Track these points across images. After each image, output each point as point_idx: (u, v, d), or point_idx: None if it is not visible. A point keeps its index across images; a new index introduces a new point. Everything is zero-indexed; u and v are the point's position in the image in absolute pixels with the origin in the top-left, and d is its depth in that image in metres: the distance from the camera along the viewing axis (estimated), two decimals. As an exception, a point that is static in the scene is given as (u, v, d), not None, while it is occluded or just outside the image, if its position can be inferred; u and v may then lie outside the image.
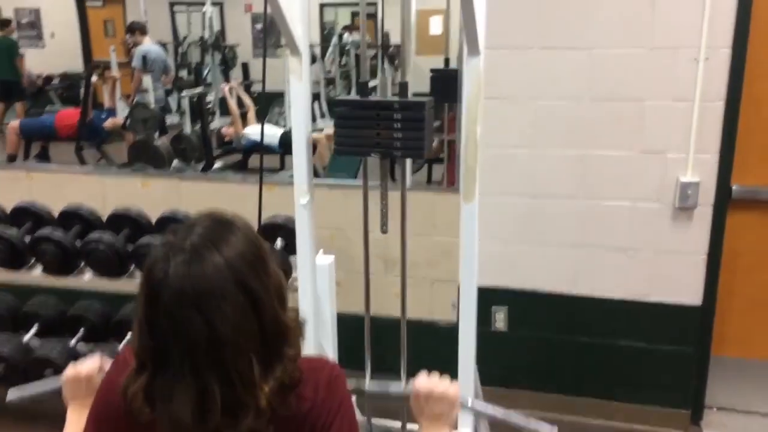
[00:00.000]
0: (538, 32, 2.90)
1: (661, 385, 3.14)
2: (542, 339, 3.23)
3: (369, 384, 1.41)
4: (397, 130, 1.98)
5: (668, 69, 2.80)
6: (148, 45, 7.02)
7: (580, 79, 2.89)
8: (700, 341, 3.08)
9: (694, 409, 3.15)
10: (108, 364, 1.42)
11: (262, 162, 2.61)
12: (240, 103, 6.68)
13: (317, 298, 2.39)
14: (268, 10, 2.00)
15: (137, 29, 7.16)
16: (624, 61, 2.83)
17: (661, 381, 3.14)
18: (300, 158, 2.23)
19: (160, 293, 1.07)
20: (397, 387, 1.37)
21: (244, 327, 1.08)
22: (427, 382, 1.29)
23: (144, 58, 6.84)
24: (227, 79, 7.78)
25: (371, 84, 2.16)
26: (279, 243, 2.90)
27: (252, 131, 6.20)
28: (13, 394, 1.76)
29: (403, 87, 2.06)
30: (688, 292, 3.01)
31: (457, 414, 1.31)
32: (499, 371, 3.21)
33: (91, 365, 1.45)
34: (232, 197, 3.32)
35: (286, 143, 5.27)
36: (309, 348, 1.91)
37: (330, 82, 8.27)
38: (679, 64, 2.79)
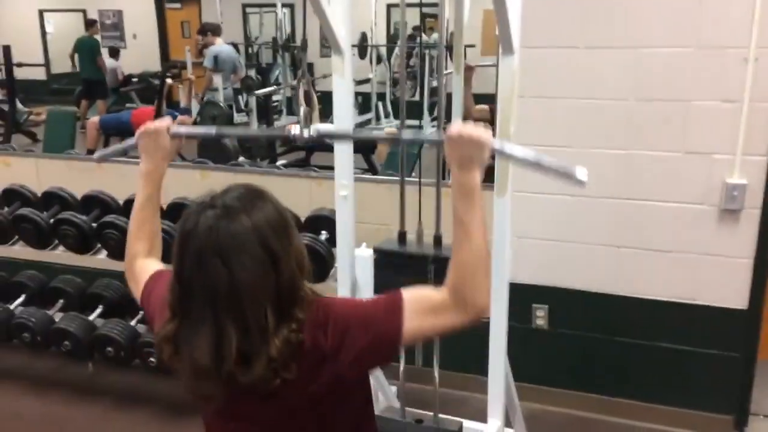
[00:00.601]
0: (583, 31, 2.90)
1: (703, 389, 3.10)
2: (583, 338, 3.22)
3: (404, 132, 1.48)
4: (431, 280, 2.13)
5: (716, 69, 2.76)
6: (219, 45, 7.26)
7: (625, 78, 2.88)
8: (745, 346, 3.01)
9: (739, 415, 3.09)
10: (175, 125, 1.62)
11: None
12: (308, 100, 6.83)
13: (357, 288, 2.48)
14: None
15: (209, 30, 7.41)
16: (670, 60, 2.80)
17: (703, 385, 3.09)
18: (341, 152, 2.32)
19: (188, 242, 1.21)
20: (430, 135, 1.42)
21: (263, 280, 1.19)
22: (458, 126, 1.32)
23: (215, 59, 7.10)
24: (296, 78, 7.98)
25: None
26: (323, 235, 3.01)
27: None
28: (98, 154, 1.98)
29: (437, 240, 2.28)
30: (734, 295, 2.95)
31: (488, 156, 1.31)
32: (539, 369, 3.23)
33: (160, 123, 1.61)
34: (281, 189, 3.40)
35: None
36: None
37: (396, 82, 8.38)
38: (727, 64, 2.74)
